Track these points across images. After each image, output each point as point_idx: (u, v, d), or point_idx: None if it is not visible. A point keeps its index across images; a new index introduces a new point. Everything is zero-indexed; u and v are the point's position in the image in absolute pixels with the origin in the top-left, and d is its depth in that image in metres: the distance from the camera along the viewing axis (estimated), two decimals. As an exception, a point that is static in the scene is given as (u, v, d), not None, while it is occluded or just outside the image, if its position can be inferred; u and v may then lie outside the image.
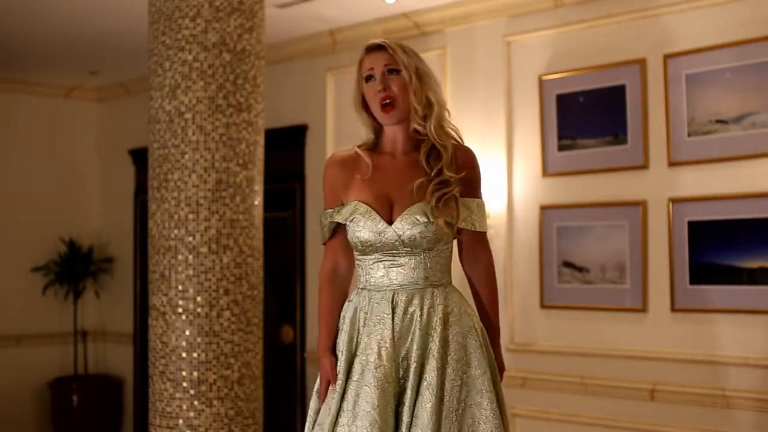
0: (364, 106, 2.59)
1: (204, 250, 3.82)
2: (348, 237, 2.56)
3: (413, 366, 2.42)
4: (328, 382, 2.52)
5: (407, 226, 2.46)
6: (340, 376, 2.47)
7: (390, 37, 5.12)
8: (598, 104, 4.48)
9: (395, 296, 2.47)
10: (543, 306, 4.63)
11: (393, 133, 2.58)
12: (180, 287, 3.82)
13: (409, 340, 2.44)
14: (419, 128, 2.52)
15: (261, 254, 4.01)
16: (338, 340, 2.55)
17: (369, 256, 2.51)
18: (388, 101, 2.50)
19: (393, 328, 2.44)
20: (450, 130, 2.56)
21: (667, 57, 4.23)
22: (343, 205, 2.56)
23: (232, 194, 3.87)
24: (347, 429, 2.40)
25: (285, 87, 5.87)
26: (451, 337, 2.46)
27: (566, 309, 4.55)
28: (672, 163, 4.21)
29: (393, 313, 2.45)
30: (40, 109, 7.08)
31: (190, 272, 3.81)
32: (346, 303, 2.59)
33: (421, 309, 2.46)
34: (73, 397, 6.82)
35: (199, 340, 3.79)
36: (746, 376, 3.96)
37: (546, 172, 4.64)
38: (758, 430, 3.93)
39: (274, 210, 5.20)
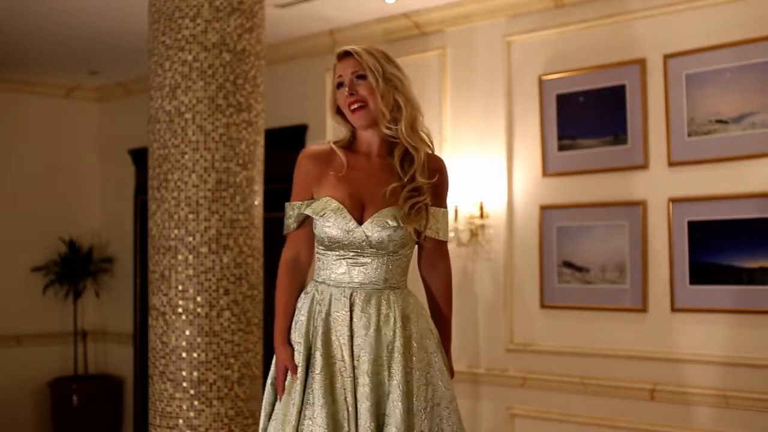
0: (339, 111, 2.64)
1: (204, 250, 3.82)
2: (315, 231, 2.59)
3: (366, 365, 2.46)
4: (286, 371, 2.55)
5: (377, 228, 2.50)
6: (300, 369, 2.51)
7: (390, 37, 5.16)
8: (598, 104, 4.48)
9: (354, 294, 2.52)
10: (543, 306, 4.63)
11: (368, 136, 2.62)
12: (180, 287, 3.82)
13: (365, 337, 2.48)
14: (388, 131, 2.56)
15: (261, 254, 4.01)
16: (293, 331, 2.58)
17: (333, 252, 2.55)
18: (356, 105, 2.55)
19: (350, 325, 2.49)
20: (422, 134, 2.59)
21: (667, 57, 4.22)
22: (313, 198, 2.60)
23: (232, 194, 3.87)
24: (312, 422, 2.44)
25: (285, 87, 5.87)
26: (412, 338, 2.51)
27: (566, 309, 4.55)
28: (672, 163, 4.21)
29: (351, 310, 2.50)
30: (40, 109, 7.08)
31: (190, 272, 3.81)
32: (303, 294, 2.63)
33: (378, 309, 2.50)
34: (73, 397, 6.82)
35: (199, 340, 3.79)
36: (746, 377, 3.96)
37: (546, 172, 4.64)
38: (758, 431, 3.93)
39: (274, 210, 5.19)
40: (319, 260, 2.60)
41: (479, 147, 4.87)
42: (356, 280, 2.53)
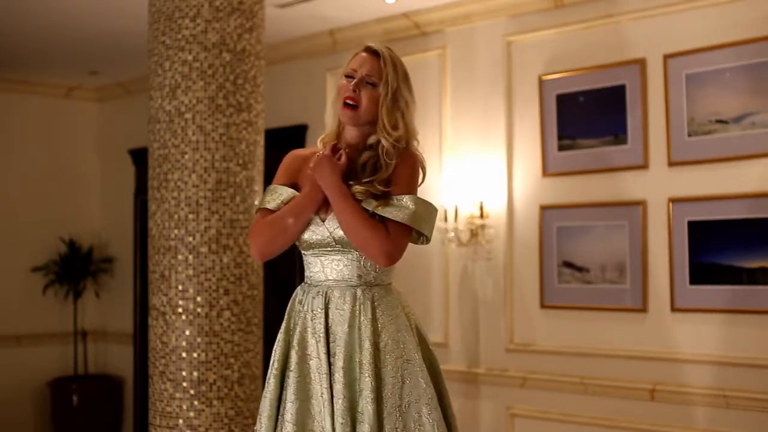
0: None
1: (204, 250, 3.82)
2: None
3: (340, 362, 2.46)
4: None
5: (335, 224, 2.50)
6: (277, 366, 2.54)
7: (390, 37, 5.16)
8: (598, 104, 4.48)
9: (328, 292, 2.54)
10: (543, 306, 4.63)
11: (350, 134, 2.60)
12: (180, 287, 3.82)
13: (339, 335, 2.49)
14: (386, 143, 2.51)
15: (261, 254, 4.00)
16: (280, 330, 2.61)
17: (308, 252, 2.59)
18: (350, 102, 2.53)
19: (326, 323, 2.51)
20: (413, 152, 2.56)
21: (667, 57, 4.22)
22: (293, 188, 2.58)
23: (232, 194, 3.87)
24: (282, 418, 2.48)
25: (285, 87, 5.87)
26: (386, 334, 2.50)
27: (566, 309, 4.55)
28: (672, 163, 4.21)
29: (326, 308, 2.52)
30: (40, 109, 7.08)
31: (190, 272, 3.81)
32: (293, 295, 2.66)
33: (353, 306, 2.50)
34: (73, 397, 6.82)
35: (199, 340, 3.79)
36: (746, 377, 3.96)
37: (546, 172, 4.64)
38: (758, 431, 3.93)
39: (274, 210, 5.19)
40: (303, 262, 2.64)
41: (479, 147, 4.87)
42: (330, 278, 2.55)
